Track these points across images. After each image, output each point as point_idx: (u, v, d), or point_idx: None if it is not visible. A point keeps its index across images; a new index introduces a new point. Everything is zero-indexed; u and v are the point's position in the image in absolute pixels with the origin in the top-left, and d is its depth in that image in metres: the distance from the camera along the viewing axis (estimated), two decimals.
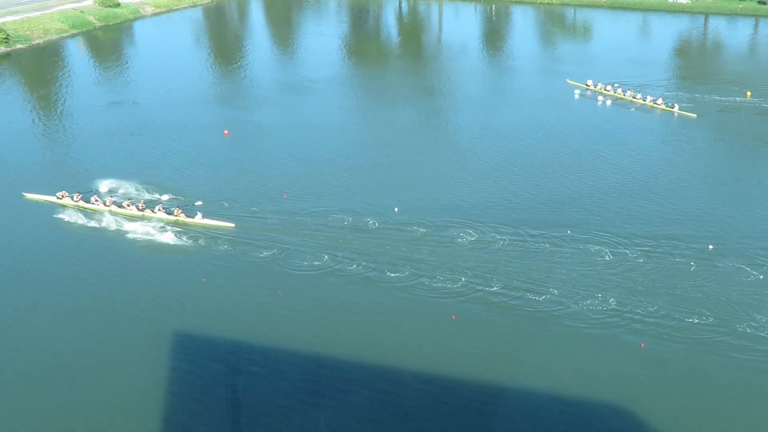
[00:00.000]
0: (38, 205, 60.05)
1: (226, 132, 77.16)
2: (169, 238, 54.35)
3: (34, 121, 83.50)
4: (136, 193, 61.45)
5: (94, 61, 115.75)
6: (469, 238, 52.85)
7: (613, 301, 45.17)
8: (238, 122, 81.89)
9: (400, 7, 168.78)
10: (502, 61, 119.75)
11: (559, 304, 45.15)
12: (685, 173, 65.85)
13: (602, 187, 62.15)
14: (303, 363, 40.86)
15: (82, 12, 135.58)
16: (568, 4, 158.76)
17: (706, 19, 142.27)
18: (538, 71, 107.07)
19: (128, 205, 58.37)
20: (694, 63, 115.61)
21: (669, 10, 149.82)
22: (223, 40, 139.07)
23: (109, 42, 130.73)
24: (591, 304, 45.06)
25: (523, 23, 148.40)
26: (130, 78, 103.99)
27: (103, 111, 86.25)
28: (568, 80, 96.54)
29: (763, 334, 42.10)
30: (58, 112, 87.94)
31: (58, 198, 60.19)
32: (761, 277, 47.75)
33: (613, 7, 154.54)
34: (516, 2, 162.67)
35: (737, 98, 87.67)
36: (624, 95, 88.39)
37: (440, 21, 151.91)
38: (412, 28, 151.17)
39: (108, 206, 58.64)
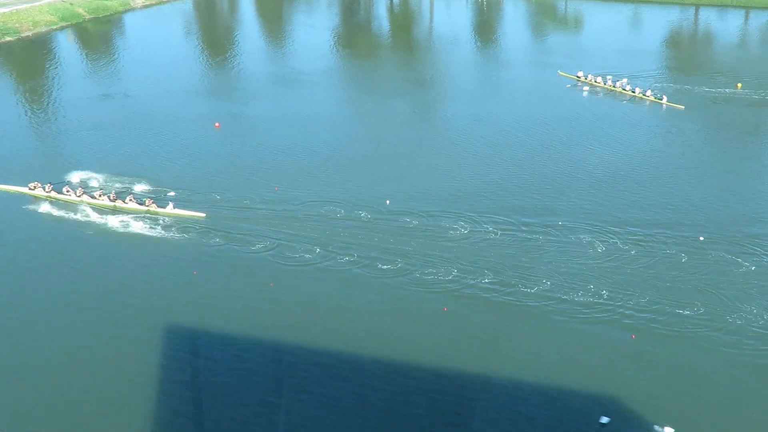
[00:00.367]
0: (9, 196, 60.04)
1: (216, 124, 76.93)
2: (141, 228, 54.43)
3: (20, 114, 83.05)
4: (114, 184, 61.13)
5: (83, 54, 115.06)
6: (461, 230, 52.87)
7: (604, 293, 45.26)
8: (229, 114, 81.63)
9: None
10: (494, 52, 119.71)
11: (551, 296, 45.23)
12: (676, 165, 65.96)
13: (593, 178, 62.23)
14: (294, 356, 40.77)
15: (71, 4, 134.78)
16: None
17: (696, 11, 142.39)
18: (530, 63, 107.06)
19: (100, 196, 58.41)
20: (685, 54, 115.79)
21: (660, 2, 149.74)
22: (214, 32, 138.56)
23: (98, 34, 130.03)
24: (583, 295, 45.15)
25: (514, 15, 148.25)
26: (120, 70, 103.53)
27: (92, 103, 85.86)
28: (559, 72, 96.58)
29: (753, 326, 42.25)
30: (46, 104, 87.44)
31: (30, 189, 60.10)
32: (753, 268, 47.92)
33: None
34: None
35: (727, 90, 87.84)
36: (614, 87, 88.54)
37: (431, 13, 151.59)
38: (404, 20, 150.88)
39: (79, 197, 58.59)
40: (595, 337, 41.86)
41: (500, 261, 48.96)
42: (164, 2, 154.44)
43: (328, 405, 37.38)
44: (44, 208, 57.70)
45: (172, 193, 58.60)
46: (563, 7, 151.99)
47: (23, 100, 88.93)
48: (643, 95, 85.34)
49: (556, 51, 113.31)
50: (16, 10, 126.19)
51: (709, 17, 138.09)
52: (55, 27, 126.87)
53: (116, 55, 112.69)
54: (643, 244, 51.00)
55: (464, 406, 37.16)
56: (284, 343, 41.84)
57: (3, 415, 36.80)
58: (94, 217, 56.12)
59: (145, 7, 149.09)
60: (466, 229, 53.04)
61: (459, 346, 41.29)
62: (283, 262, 49.39)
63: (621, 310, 43.85)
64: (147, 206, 56.54)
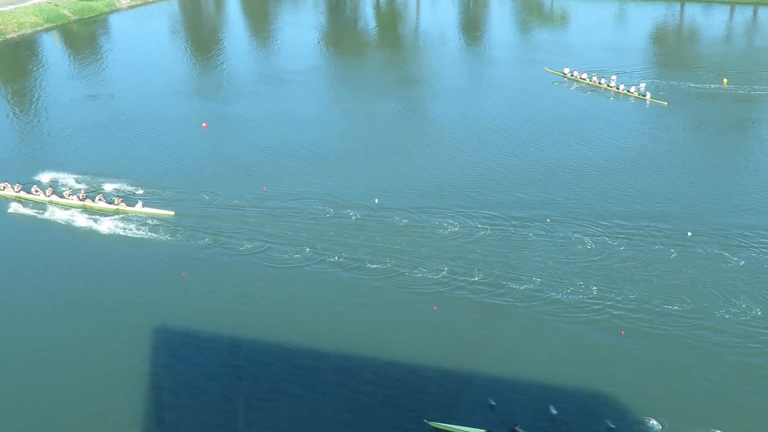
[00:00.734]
0: None
1: (203, 125, 76.70)
2: (109, 227, 54.61)
3: (2, 116, 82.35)
4: (98, 185, 61.11)
5: (69, 55, 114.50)
6: (450, 228, 52.92)
7: (594, 289, 45.41)
8: (216, 115, 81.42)
9: None
10: (481, 50, 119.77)
11: (541, 293, 45.35)
12: (662, 161, 66.12)
13: (578, 176, 62.33)
14: (284, 355, 40.71)
15: (56, 5, 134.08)
16: None
17: (682, 6, 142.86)
18: (516, 60, 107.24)
19: (68, 195, 58.39)
20: (671, 50, 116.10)
21: None
22: (200, 33, 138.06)
23: (84, 35, 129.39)
24: (572, 292, 45.29)
25: (500, 12, 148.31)
26: (106, 71, 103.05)
27: (77, 104, 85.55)
28: (546, 68, 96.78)
29: (740, 321, 42.48)
30: (30, 106, 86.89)
31: None
32: (742, 263, 48.16)
33: None
34: None
35: (713, 85, 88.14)
36: (599, 83, 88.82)
37: (418, 11, 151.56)
38: (390, 18, 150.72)
39: (48, 196, 58.57)
40: (584, 333, 41.97)
41: (490, 258, 49.03)
42: (150, 3, 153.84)
43: (317, 405, 37.39)
44: (13, 208, 57.88)
45: (140, 191, 58.74)
46: (549, 4, 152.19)
47: (6, 103, 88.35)
48: (628, 92, 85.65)
49: (542, 48, 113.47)
50: (0, 11, 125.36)
51: (694, 13, 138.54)
52: (40, 28, 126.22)
53: (102, 56, 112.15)
54: (632, 240, 51.19)
55: (454, 404, 37.16)
56: (273, 343, 41.74)
57: None
58: (65, 216, 56.40)
59: (131, 7, 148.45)
60: (455, 227, 53.09)
61: (449, 344, 41.35)
62: (271, 263, 49.31)
63: (610, 306, 43.99)
64: (116, 205, 56.69)
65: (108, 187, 60.58)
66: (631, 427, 35.41)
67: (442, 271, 47.72)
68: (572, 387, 38.16)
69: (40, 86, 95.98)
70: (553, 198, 57.87)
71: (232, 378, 39.23)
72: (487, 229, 52.82)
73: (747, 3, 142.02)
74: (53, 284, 47.94)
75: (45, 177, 62.58)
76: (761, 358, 39.78)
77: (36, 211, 57.48)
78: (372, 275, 47.58)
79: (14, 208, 57.88)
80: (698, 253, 49.41)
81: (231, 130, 75.91)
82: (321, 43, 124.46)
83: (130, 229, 53.80)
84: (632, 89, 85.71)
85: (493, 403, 36.24)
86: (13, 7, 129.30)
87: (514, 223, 53.62)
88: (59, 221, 55.86)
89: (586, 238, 51.28)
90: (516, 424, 34.87)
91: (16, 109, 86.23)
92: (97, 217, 56.07)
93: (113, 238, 53.36)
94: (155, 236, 52.94)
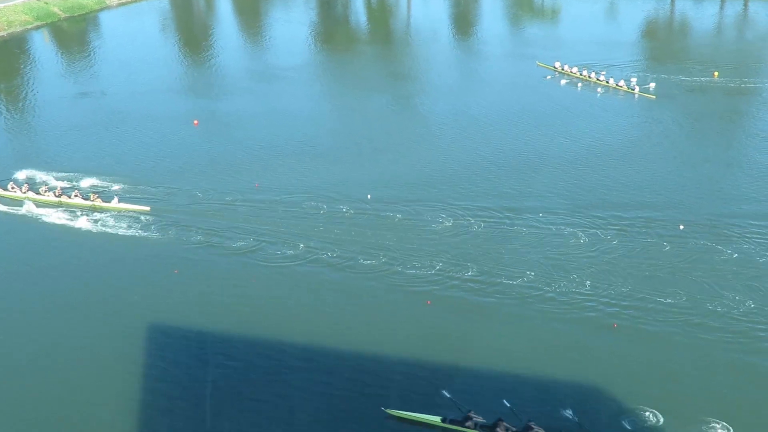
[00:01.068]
0: None
1: (195, 122, 76.51)
2: (86, 223, 54.39)
3: None
4: (89, 184, 60.66)
5: (59, 53, 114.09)
6: (444, 223, 52.93)
7: (588, 283, 45.46)
8: (208, 112, 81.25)
9: None
10: (472, 45, 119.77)
11: (535, 287, 45.36)
12: (654, 154, 66.27)
13: (574, 170, 62.38)
14: (276, 353, 40.60)
15: (46, 3, 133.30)
16: None
17: (672, 0, 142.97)
18: (508, 54, 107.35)
19: (45, 192, 58.21)
20: (662, 44, 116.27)
21: None
22: (191, 30, 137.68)
23: (74, 33, 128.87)
24: (566, 285, 45.33)
25: (491, 7, 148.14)
26: (97, 69, 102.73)
27: (68, 102, 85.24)
28: (538, 62, 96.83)
29: (733, 313, 42.52)
30: (20, 104, 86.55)
31: None
32: (735, 255, 48.23)
33: None
34: None
35: (704, 78, 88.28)
36: (590, 77, 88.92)
37: (409, 6, 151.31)
38: (381, 13, 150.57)
39: (25, 193, 58.34)
40: (577, 326, 42.00)
41: (484, 253, 49.03)
42: (140, 0, 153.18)
43: (313, 400, 37.32)
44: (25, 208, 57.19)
45: (116, 187, 58.69)
46: None
47: None
48: (617, 85, 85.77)
49: (533, 42, 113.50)
50: None
51: (685, 6, 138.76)
52: (30, 26, 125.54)
53: (92, 54, 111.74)
54: (625, 233, 51.27)
55: (449, 396, 37.18)
56: (266, 340, 41.66)
57: None
58: (40, 213, 56.18)
59: (121, 5, 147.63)
60: (448, 221, 53.10)
61: (443, 339, 41.35)
62: (264, 259, 49.21)
63: (603, 299, 44.06)
64: (92, 201, 56.50)
65: (100, 184, 60.24)
66: (624, 420, 35.47)
67: (435, 266, 47.63)
68: (565, 379, 38.18)
69: (29, 84, 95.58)
70: (545, 192, 57.90)
71: (223, 376, 39.08)
72: (480, 223, 52.79)
73: None
74: (53, 284, 47.65)
75: (42, 176, 61.97)
76: (754, 351, 39.86)
77: (9, 207, 57.21)
78: (365, 270, 47.48)
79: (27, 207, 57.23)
80: (691, 246, 49.51)
81: (223, 127, 75.70)
82: (312, 39, 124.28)
83: (121, 227, 53.51)
84: (621, 83, 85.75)
85: (508, 404, 35.77)
86: (2, 5, 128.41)
87: (507, 217, 53.59)
88: (63, 220, 55.35)
89: (579, 232, 51.32)
90: (470, 410, 35.22)
91: (5, 107, 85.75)
92: (77, 212, 55.79)
93: (105, 236, 52.98)
94: (146, 234, 52.70)
